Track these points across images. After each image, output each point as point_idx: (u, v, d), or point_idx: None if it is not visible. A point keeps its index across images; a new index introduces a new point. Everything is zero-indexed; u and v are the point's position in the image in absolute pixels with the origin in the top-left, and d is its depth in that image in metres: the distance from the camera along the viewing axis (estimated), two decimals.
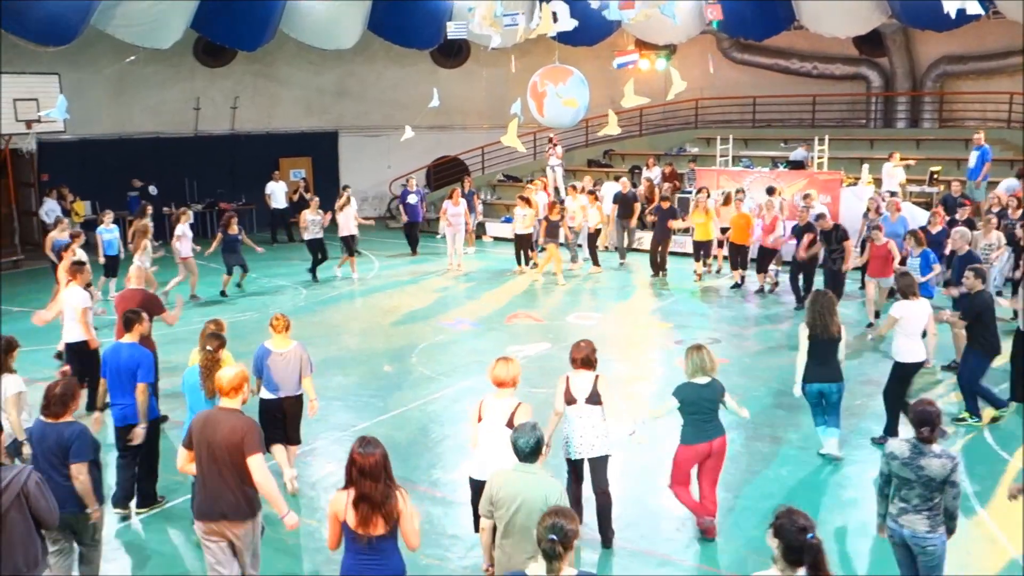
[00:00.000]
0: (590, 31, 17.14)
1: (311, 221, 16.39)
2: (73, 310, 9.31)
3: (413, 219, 19.46)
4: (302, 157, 24.28)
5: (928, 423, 5.04)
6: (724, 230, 16.05)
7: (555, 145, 21.70)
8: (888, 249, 12.18)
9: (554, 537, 3.78)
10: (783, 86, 23.56)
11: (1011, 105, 20.13)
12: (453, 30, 15.91)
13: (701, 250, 15.99)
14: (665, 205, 16.44)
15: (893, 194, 16.15)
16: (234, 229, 15.31)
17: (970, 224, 12.86)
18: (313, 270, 16.72)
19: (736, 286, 15.31)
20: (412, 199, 19.25)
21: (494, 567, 4.97)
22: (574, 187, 18.10)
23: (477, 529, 5.73)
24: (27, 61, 17.51)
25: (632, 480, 7.67)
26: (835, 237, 12.97)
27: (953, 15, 8.82)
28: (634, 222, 17.59)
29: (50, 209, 19.47)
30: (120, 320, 7.90)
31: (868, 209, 14.69)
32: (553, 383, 10.32)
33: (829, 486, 7.68)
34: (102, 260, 14.83)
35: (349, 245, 16.83)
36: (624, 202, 17.68)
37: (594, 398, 6.37)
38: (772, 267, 14.97)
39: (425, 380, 10.60)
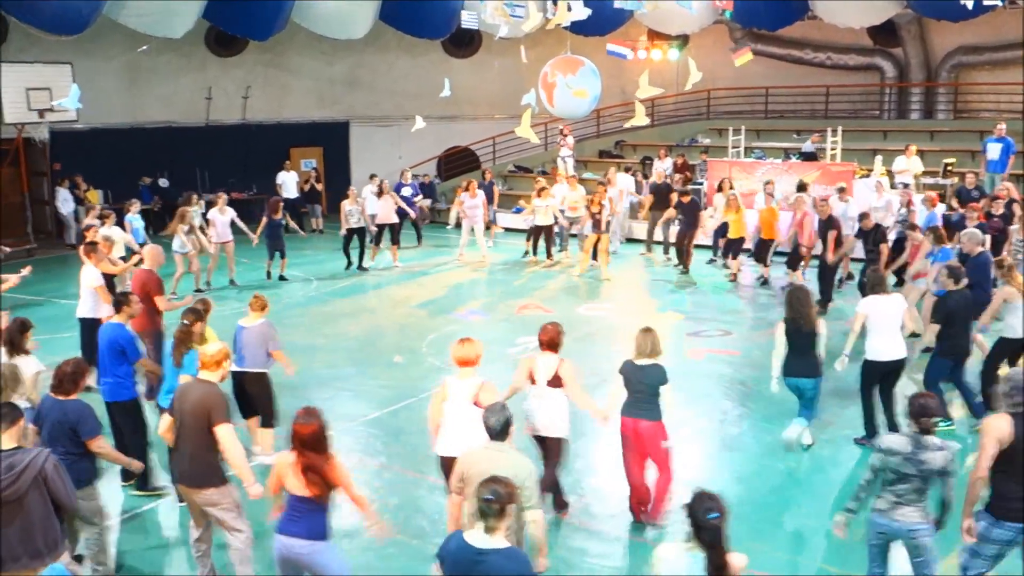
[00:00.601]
0: (602, 21, 17.08)
1: (350, 211, 16.28)
2: (87, 288, 9.81)
3: (401, 212, 19.25)
4: (313, 147, 24.30)
5: (929, 414, 5.00)
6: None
7: (566, 136, 21.65)
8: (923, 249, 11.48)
9: (489, 496, 3.98)
10: (796, 77, 23.41)
11: None
12: (466, 19, 15.89)
13: (733, 247, 15.44)
14: (686, 199, 15.98)
15: (906, 186, 16.04)
16: (278, 214, 15.52)
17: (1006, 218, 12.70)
18: (359, 259, 16.64)
19: (764, 282, 14.98)
20: (406, 192, 18.99)
21: None
22: (574, 178, 17.99)
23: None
24: (40, 50, 17.58)
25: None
26: (873, 239, 12.37)
27: (970, 5, 8.72)
28: (671, 213, 16.56)
29: (65, 198, 19.59)
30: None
31: (901, 204, 14.22)
32: None
33: (833, 479, 7.67)
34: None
35: (392, 233, 16.83)
36: (659, 193, 17.22)
37: (555, 381, 6.53)
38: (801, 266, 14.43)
39: (435, 371, 10.60)
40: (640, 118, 12.82)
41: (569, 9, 11.92)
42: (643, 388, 6.58)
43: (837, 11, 19.83)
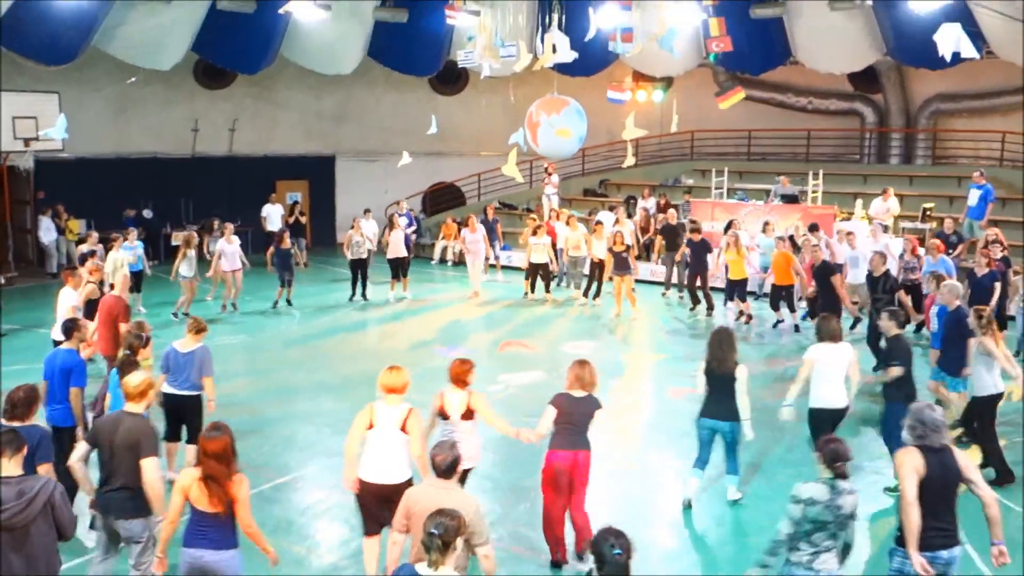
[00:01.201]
0: (588, 62, 17.30)
1: (356, 242, 16.51)
2: (63, 309, 10.09)
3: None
4: (299, 180, 24.33)
5: (843, 458, 5.03)
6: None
7: (551, 174, 21.82)
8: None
9: (433, 531, 4.04)
10: (778, 120, 23.77)
11: (1004, 144, 20.33)
12: (463, 58, 16.03)
13: (736, 289, 14.95)
14: (697, 237, 15.59)
15: (886, 229, 16.25)
16: (286, 244, 16.07)
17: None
18: (359, 290, 16.78)
19: (779, 322, 14.65)
20: (402, 221, 19.14)
21: None
22: (573, 216, 17.81)
23: (366, 531, 6.13)
24: (28, 79, 17.61)
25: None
26: (883, 285, 11.77)
27: (948, 58, 8.93)
28: (679, 256, 16.37)
29: (47, 227, 19.51)
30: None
31: (904, 251, 14.00)
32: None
33: None
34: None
35: (399, 267, 16.88)
36: (669, 233, 16.91)
37: (468, 414, 6.68)
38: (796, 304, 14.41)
39: (420, 407, 10.53)
40: (629, 159, 12.99)
41: (555, 51, 12.10)
42: (581, 420, 6.65)
43: (819, 57, 20.21)
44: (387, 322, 15.60)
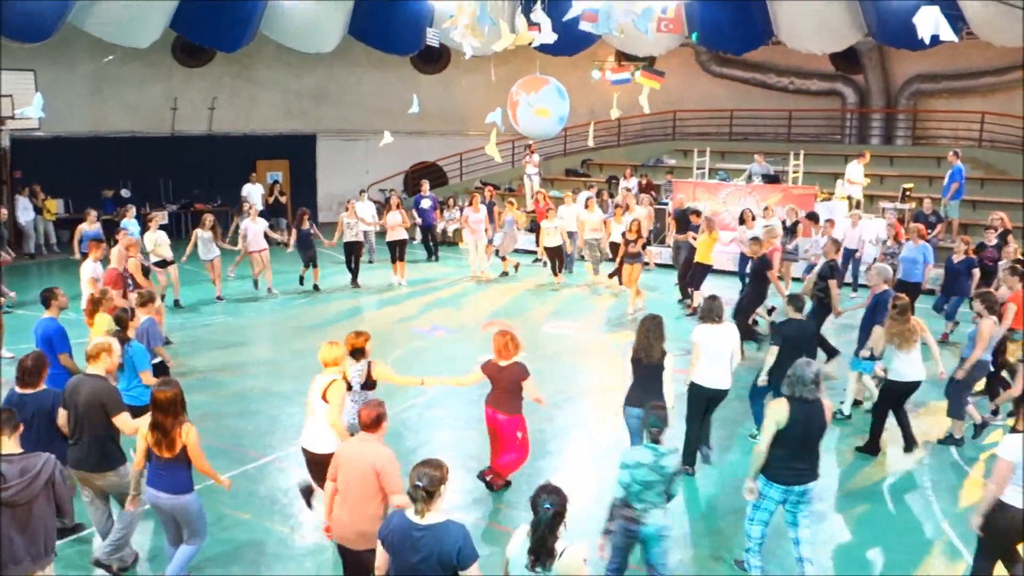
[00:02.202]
0: (571, 42, 17.25)
1: (348, 224, 16.27)
2: (83, 281, 10.87)
3: (427, 224, 19.11)
4: (279, 160, 24.19)
5: (657, 426, 5.64)
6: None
7: (532, 153, 21.78)
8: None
9: (418, 483, 4.31)
10: (760, 100, 23.83)
11: (982, 124, 20.48)
12: (431, 36, 15.94)
13: (696, 275, 14.19)
14: (696, 220, 15.01)
15: (858, 204, 16.32)
16: (306, 224, 15.91)
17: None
18: (355, 274, 16.55)
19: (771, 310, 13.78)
20: (425, 203, 18.89)
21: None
22: (592, 199, 17.28)
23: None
24: (3, 57, 17.33)
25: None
26: (822, 271, 11.26)
27: (927, 40, 8.97)
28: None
29: (25, 207, 19.31)
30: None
31: (887, 236, 13.99)
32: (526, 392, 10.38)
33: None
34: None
35: (397, 250, 16.70)
36: (682, 217, 16.09)
37: (370, 384, 7.05)
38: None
39: (399, 388, 10.55)
40: (589, 140, 13.01)
41: (539, 30, 12.03)
42: (507, 385, 7.24)
43: (801, 37, 20.23)
44: (374, 303, 15.57)
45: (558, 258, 16.70)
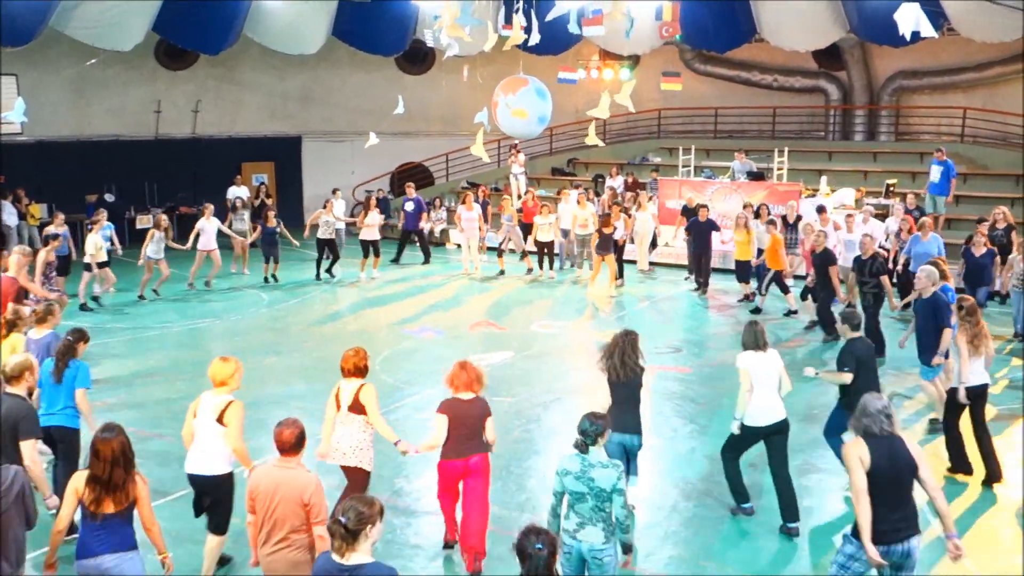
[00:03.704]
0: (554, 42, 17.25)
1: (324, 222, 16.87)
2: None
3: (407, 227, 19.05)
4: (265, 162, 24.12)
5: (582, 433, 5.14)
6: None
7: (518, 153, 21.80)
8: None
9: (341, 519, 4.00)
10: (744, 98, 23.93)
11: (964, 120, 20.63)
12: (431, 38, 15.91)
13: (741, 271, 14.84)
14: (704, 215, 15.42)
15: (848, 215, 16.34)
16: (272, 222, 16.61)
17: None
18: (321, 269, 17.05)
19: (757, 311, 13.96)
20: (409, 206, 18.90)
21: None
22: (584, 196, 17.15)
23: (197, 514, 6.24)
24: None
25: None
26: (870, 269, 11.37)
27: (908, 37, 9.05)
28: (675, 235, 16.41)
29: (9, 212, 19.16)
30: None
31: (900, 229, 13.93)
32: (514, 392, 10.45)
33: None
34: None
35: (371, 248, 16.96)
36: (691, 216, 16.10)
37: (356, 407, 6.39)
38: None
39: (388, 389, 10.57)
40: (592, 138, 13.03)
41: (527, 32, 12.05)
42: (473, 423, 6.30)
43: (783, 34, 20.32)
44: (363, 303, 15.56)
45: (549, 253, 16.84)
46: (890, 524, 4.87)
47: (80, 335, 7.13)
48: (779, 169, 18.97)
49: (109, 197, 20.88)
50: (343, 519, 4.00)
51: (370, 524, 4.04)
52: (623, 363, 6.79)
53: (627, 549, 5.29)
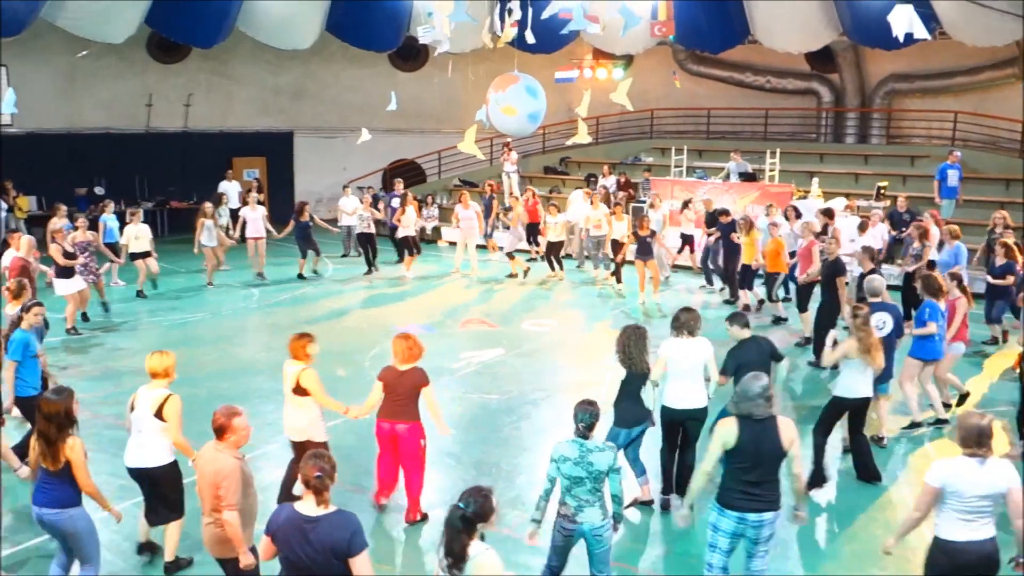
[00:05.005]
0: (549, 40, 17.24)
1: (361, 216, 17.00)
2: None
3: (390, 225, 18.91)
4: (256, 157, 24.04)
5: (578, 420, 5.43)
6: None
7: (510, 151, 21.79)
8: (955, 307, 9.22)
9: (319, 474, 4.32)
10: (737, 99, 23.98)
11: (955, 124, 20.71)
12: (422, 34, 15.87)
13: (745, 276, 14.02)
14: (726, 219, 14.59)
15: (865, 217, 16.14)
16: (306, 216, 16.43)
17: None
18: (370, 263, 17.26)
19: (779, 320, 13.46)
20: (395, 202, 18.77)
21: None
22: (596, 196, 17.01)
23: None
24: None
25: None
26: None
27: (901, 39, 9.08)
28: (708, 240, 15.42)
29: None
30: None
31: (913, 237, 13.06)
32: (505, 389, 10.44)
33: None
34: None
35: (409, 245, 17.00)
36: (713, 220, 15.51)
37: (299, 390, 6.86)
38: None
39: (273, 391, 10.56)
40: (582, 136, 13.02)
41: (523, 31, 12.04)
42: (404, 392, 6.90)
43: (776, 36, 20.37)
44: (355, 300, 15.53)
45: (557, 253, 16.67)
46: (747, 495, 5.28)
47: (25, 309, 7.93)
48: (771, 170, 19.01)
49: (99, 190, 20.78)
50: (320, 473, 4.31)
51: (335, 473, 4.41)
52: (628, 356, 7.00)
53: (618, 520, 5.68)
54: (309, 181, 24.20)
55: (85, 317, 13.22)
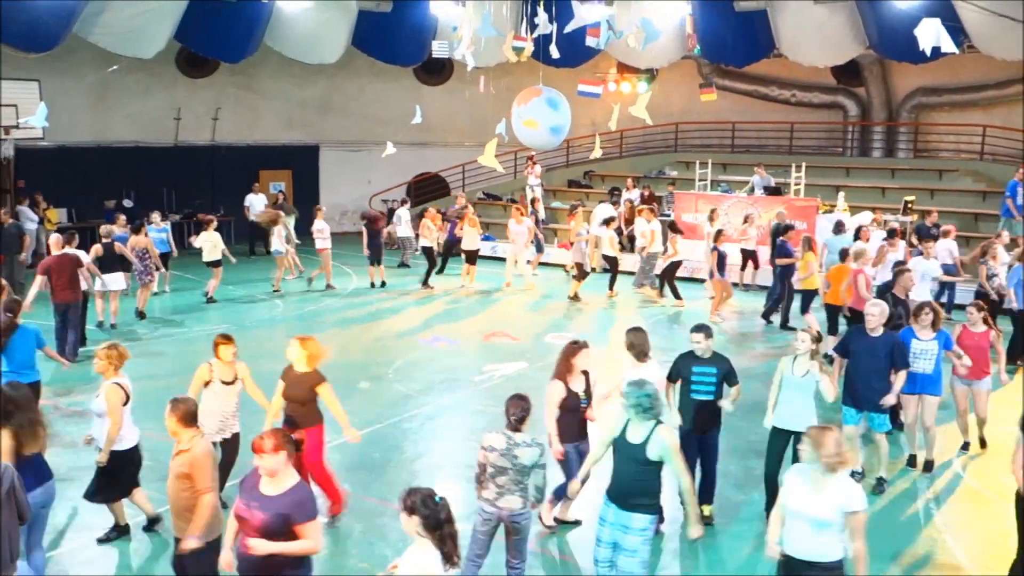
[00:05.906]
0: (573, 53, 17.29)
1: (426, 227, 17.29)
2: None
3: (451, 239, 18.79)
4: (282, 170, 24.25)
5: (509, 413, 5.65)
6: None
7: (534, 164, 21.82)
8: (990, 340, 8.50)
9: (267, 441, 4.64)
10: (762, 113, 23.88)
11: (984, 138, 20.51)
12: (437, 49, 16.02)
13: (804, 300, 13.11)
14: (794, 240, 13.71)
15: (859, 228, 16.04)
16: (380, 225, 17.24)
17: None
18: (429, 276, 17.31)
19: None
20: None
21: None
22: (651, 210, 16.61)
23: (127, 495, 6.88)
24: (8, 67, 17.40)
25: None
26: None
27: (928, 53, 9.02)
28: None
29: (29, 217, 19.35)
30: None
31: (987, 256, 12.20)
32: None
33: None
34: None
35: (470, 257, 17.23)
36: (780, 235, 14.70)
37: (235, 382, 7.24)
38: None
39: (402, 398, 10.58)
40: (596, 151, 13.16)
41: (550, 44, 12.09)
42: (299, 395, 7.03)
43: (802, 50, 20.30)
44: (383, 311, 15.56)
45: (613, 269, 16.21)
46: (616, 491, 5.55)
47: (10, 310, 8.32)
48: (796, 184, 18.90)
49: (127, 203, 21.03)
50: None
51: (283, 448, 4.69)
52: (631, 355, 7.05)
53: (539, 502, 5.99)
54: (334, 194, 24.35)
55: (142, 315, 14.25)
